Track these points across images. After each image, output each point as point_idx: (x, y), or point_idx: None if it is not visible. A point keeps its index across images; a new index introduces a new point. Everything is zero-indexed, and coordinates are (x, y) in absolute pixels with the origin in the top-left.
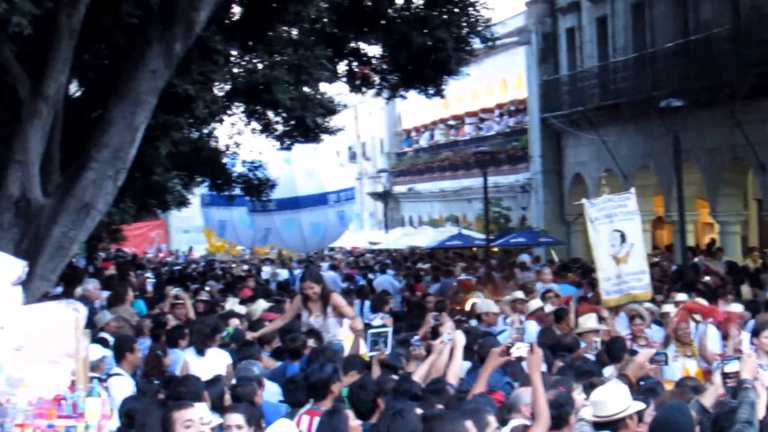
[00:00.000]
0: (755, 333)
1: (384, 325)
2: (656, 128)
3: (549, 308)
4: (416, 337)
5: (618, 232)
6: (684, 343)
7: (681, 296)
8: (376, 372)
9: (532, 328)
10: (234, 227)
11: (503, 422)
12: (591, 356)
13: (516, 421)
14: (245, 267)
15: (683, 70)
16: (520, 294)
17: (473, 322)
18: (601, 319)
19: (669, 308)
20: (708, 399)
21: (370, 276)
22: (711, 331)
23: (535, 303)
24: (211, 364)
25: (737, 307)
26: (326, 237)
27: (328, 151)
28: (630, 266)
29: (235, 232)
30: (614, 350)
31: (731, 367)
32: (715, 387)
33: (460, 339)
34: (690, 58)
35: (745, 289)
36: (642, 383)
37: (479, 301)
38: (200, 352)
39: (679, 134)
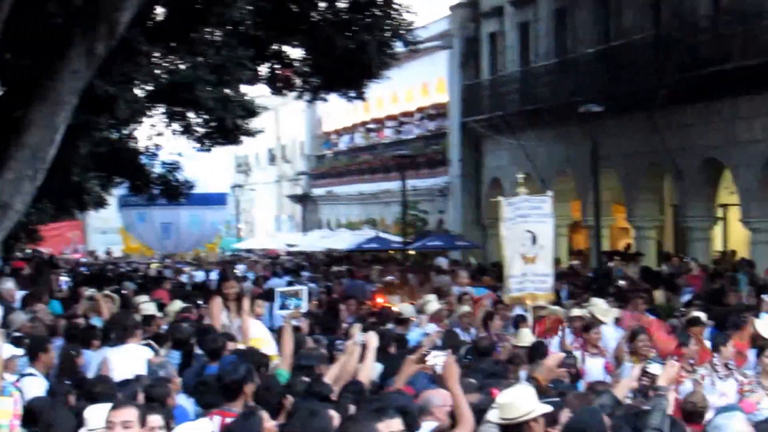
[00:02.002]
0: (715, 346)
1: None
2: (575, 134)
3: (465, 310)
4: (339, 340)
5: (530, 233)
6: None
7: (596, 301)
8: (287, 333)
9: (431, 329)
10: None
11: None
12: None
13: (430, 424)
14: (158, 268)
15: (604, 76)
16: (431, 298)
17: (389, 325)
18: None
19: (577, 312)
20: (621, 391)
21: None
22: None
23: (434, 305)
24: (132, 358)
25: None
26: (213, 236)
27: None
28: (537, 267)
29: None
30: (534, 354)
31: (653, 369)
32: (629, 380)
33: (373, 341)
34: (611, 64)
35: (659, 294)
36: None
37: (401, 306)
38: (122, 343)
39: (597, 140)
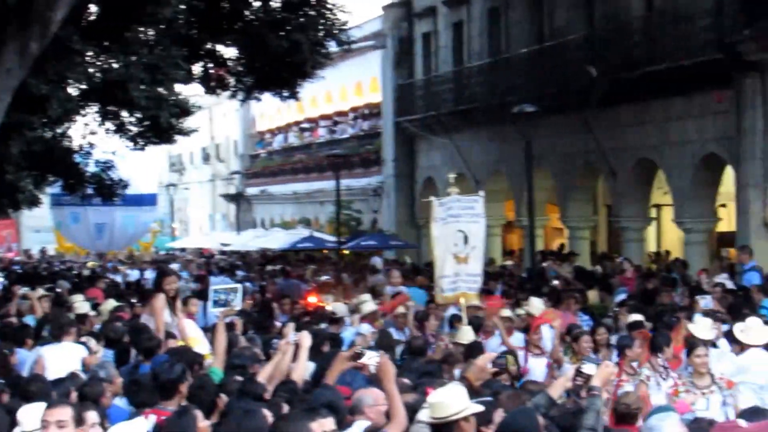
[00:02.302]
0: (659, 347)
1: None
2: (509, 134)
3: (400, 310)
4: (275, 340)
5: (462, 233)
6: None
7: (534, 301)
8: (220, 331)
9: (366, 329)
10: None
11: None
12: None
13: (362, 423)
14: (93, 267)
15: (537, 76)
16: (366, 298)
17: (323, 324)
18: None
19: (508, 313)
20: (556, 391)
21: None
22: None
23: (370, 305)
24: (66, 357)
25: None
26: (144, 234)
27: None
28: (469, 267)
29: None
30: (470, 354)
31: (587, 369)
32: (564, 379)
33: (306, 340)
34: (544, 64)
35: (593, 294)
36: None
37: (334, 305)
38: (57, 340)
39: (531, 140)
